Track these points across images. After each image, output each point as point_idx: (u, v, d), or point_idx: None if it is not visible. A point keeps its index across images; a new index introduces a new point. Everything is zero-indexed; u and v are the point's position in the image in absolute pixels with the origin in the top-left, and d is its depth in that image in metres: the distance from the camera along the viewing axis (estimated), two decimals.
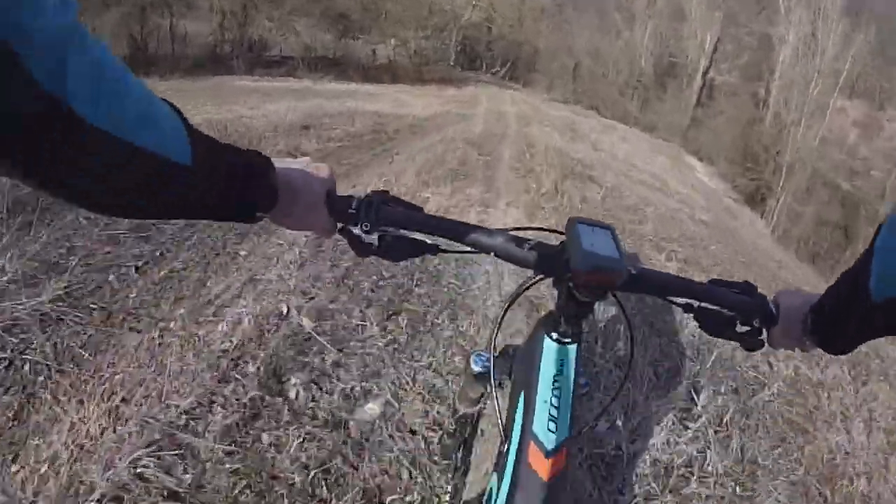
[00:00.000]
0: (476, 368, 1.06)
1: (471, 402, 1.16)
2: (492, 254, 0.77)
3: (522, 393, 0.80)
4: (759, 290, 0.84)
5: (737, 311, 0.82)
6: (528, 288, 0.92)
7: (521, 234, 0.83)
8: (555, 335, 0.78)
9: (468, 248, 0.78)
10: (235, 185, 0.62)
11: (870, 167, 32.04)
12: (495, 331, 0.92)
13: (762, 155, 31.13)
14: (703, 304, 0.82)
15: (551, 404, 0.75)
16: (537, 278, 0.84)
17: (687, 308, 0.83)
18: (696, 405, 2.54)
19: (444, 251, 0.80)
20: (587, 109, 27.02)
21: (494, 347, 0.94)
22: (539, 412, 0.74)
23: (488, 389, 1.07)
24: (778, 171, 29.36)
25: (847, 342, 0.72)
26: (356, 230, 0.75)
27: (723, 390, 2.74)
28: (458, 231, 0.77)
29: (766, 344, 0.85)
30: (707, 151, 30.66)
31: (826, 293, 0.75)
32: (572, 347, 0.78)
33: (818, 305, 0.77)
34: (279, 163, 0.70)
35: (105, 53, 0.46)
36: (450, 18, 24.58)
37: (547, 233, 0.93)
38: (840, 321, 0.70)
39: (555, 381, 0.76)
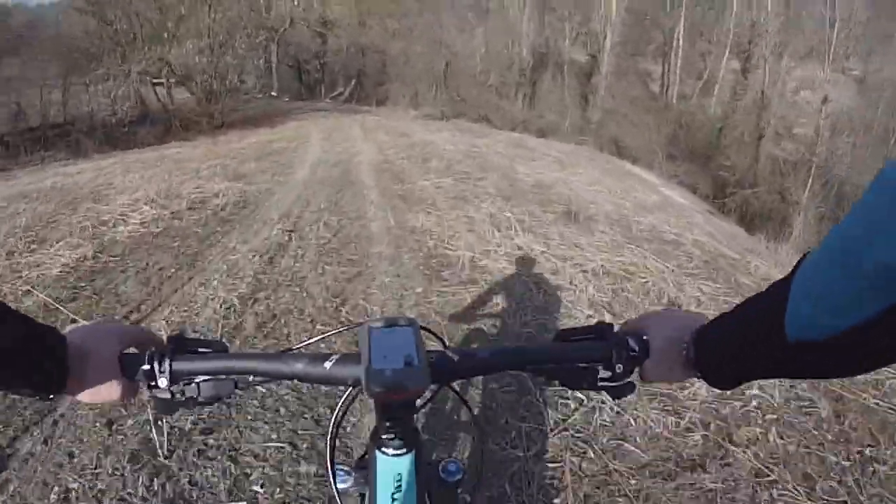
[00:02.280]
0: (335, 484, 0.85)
1: None
2: (294, 380, 0.74)
3: None
4: (618, 327, 0.76)
5: (593, 360, 0.72)
6: (351, 403, 0.85)
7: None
8: (385, 449, 0.73)
9: (274, 378, 0.73)
10: (26, 364, 0.58)
11: (788, 125, 26.69)
12: (328, 451, 0.81)
13: (721, 146, 24.67)
14: (553, 365, 0.74)
15: None
16: (353, 392, 0.80)
17: (537, 372, 0.75)
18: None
19: (252, 385, 0.78)
20: (473, 122, 19.03)
21: (338, 462, 0.85)
22: None
23: None
24: (764, 166, 22.83)
25: (740, 378, 0.64)
26: (156, 388, 0.69)
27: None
28: (261, 365, 0.71)
29: (640, 379, 0.74)
30: (630, 150, 23.84)
31: (719, 321, 0.66)
32: (407, 458, 0.73)
33: (703, 334, 0.67)
34: (71, 329, 0.66)
35: None
36: (234, 23, 15.18)
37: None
38: (740, 356, 0.62)
39: (394, 498, 0.73)
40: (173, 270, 3.83)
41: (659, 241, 5.41)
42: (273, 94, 21.75)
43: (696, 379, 0.69)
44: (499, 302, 3.59)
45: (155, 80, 15.06)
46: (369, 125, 14.70)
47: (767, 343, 0.56)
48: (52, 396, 0.64)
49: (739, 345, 0.61)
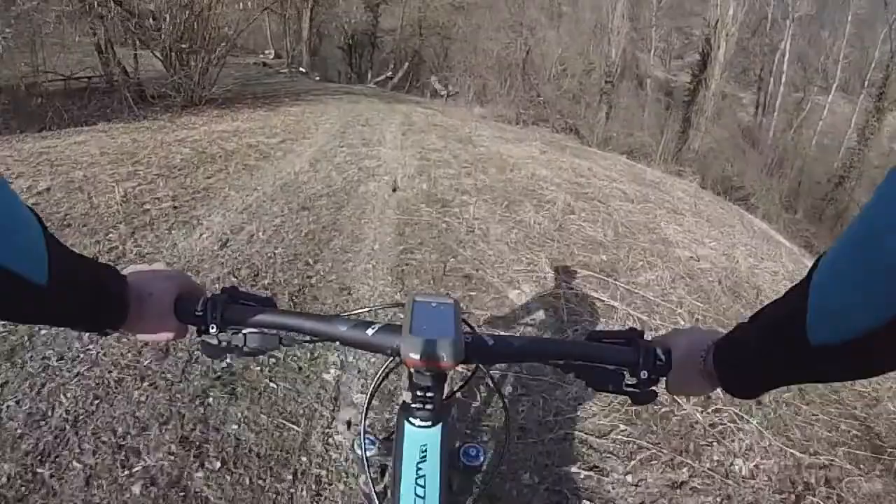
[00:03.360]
0: (358, 452, 0.87)
1: (361, 490, 1.02)
2: (337, 342, 0.74)
3: (392, 483, 0.77)
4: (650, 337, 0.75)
5: (619, 364, 0.73)
6: (388, 374, 0.89)
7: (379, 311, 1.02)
8: (413, 420, 0.74)
9: (318, 339, 0.75)
10: (86, 303, 0.60)
11: None
12: (363, 418, 0.84)
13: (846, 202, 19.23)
14: (582, 362, 0.74)
15: (416, 494, 0.72)
16: (394, 362, 0.81)
17: (566, 368, 0.75)
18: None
19: (296, 342, 0.76)
20: (557, 133, 14.10)
21: (367, 431, 0.86)
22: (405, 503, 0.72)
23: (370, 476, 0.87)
24: None
25: (762, 386, 0.63)
26: (206, 333, 0.72)
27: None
28: (306, 323, 0.73)
29: (667, 391, 0.74)
30: (739, 191, 18.78)
31: (737, 332, 0.66)
32: (434, 430, 0.74)
33: (724, 344, 0.68)
34: (131, 271, 0.70)
35: None
36: None
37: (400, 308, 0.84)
38: (761, 365, 0.61)
39: (418, 468, 0.73)
40: None
41: None
42: (302, 69, 17.15)
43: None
44: None
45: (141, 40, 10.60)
46: (416, 120, 9.97)
47: (789, 350, 0.55)
48: (108, 331, 0.66)
49: (760, 353, 0.61)
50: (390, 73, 20.80)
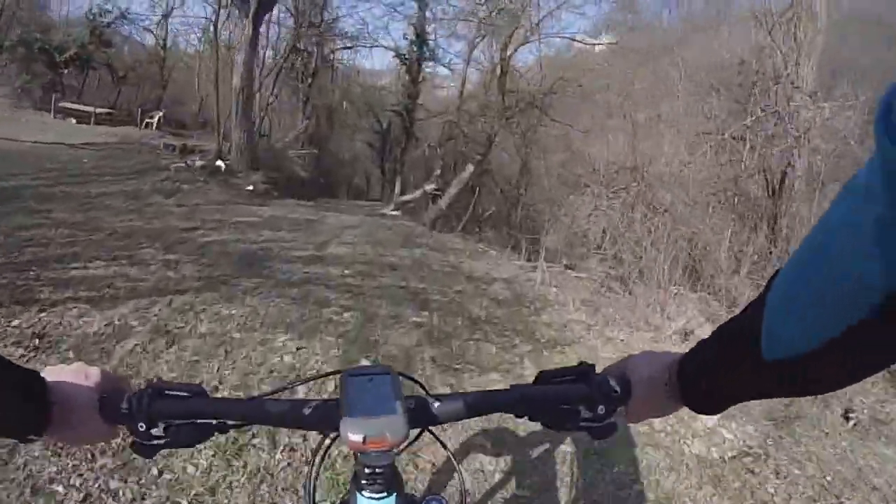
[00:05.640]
0: None
1: None
2: (270, 426, 0.76)
3: None
4: (600, 368, 0.74)
5: (574, 402, 0.72)
6: (328, 448, 0.83)
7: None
8: (365, 492, 0.72)
9: (253, 423, 0.74)
10: (5, 407, 0.58)
11: None
12: (308, 493, 0.80)
13: None
14: (536, 406, 0.74)
15: None
16: (332, 438, 0.80)
17: (520, 414, 0.74)
18: None
19: (232, 426, 0.72)
20: None
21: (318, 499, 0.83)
22: None
23: None
24: None
25: (725, 402, 0.64)
26: (135, 430, 0.68)
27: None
28: (240, 409, 0.72)
29: (627, 421, 0.75)
30: None
31: (698, 348, 0.66)
32: (388, 500, 0.72)
33: (683, 365, 0.67)
34: (50, 374, 0.65)
35: None
36: None
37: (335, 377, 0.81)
38: (721, 381, 0.63)
39: None
40: None
41: None
42: (219, 163, 7.95)
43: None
44: None
45: None
46: None
47: (745, 366, 0.55)
48: (32, 438, 0.63)
49: (719, 370, 0.61)
50: (433, 184, 11.03)
